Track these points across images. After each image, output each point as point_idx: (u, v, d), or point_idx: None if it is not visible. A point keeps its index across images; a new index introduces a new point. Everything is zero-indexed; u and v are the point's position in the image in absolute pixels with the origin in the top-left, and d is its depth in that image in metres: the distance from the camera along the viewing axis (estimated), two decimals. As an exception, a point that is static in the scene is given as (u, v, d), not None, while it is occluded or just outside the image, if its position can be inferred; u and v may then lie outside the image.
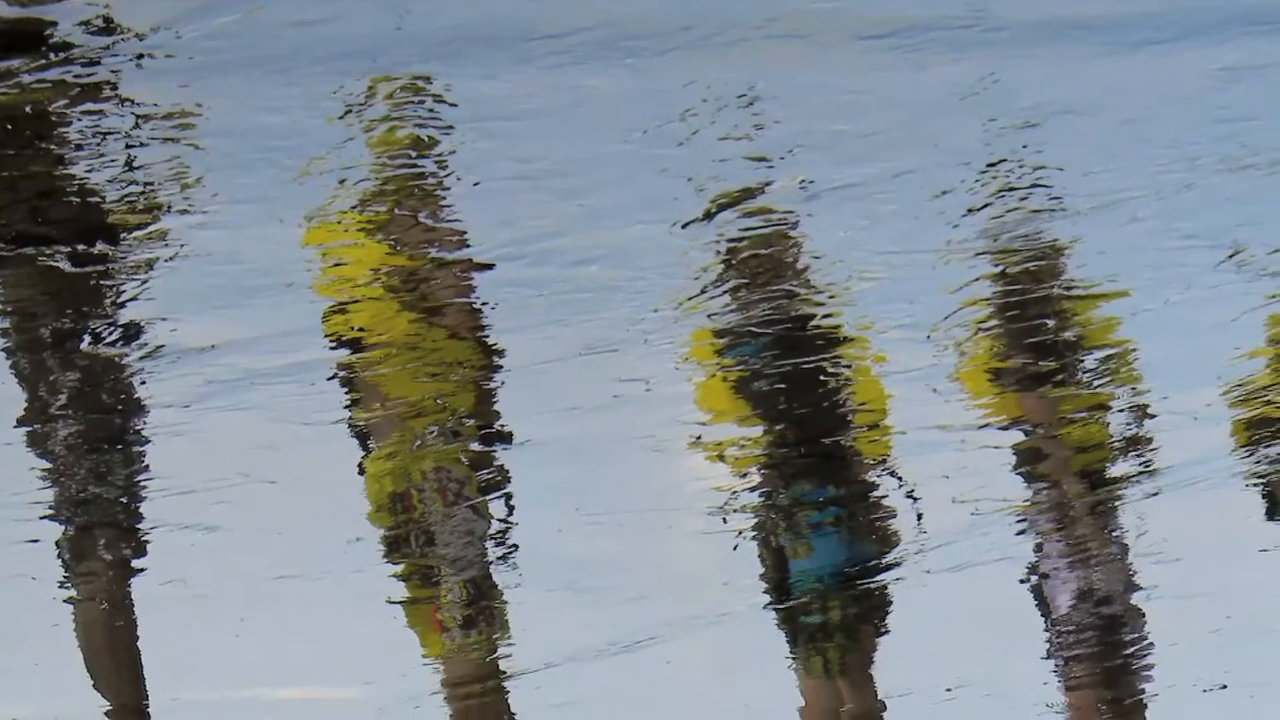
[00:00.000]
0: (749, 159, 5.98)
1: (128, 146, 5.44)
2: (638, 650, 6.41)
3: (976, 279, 6.23)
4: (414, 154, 5.71)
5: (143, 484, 5.85)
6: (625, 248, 5.96)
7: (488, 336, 5.97)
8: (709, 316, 6.09)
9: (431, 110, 5.72)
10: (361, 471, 6.01)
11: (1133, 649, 6.84)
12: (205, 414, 5.81)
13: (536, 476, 6.19)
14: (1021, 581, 6.75)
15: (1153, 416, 6.54)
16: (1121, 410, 6.54)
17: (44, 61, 5.27)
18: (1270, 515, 6.81)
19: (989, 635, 6.68)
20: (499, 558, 6.23)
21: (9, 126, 5.29)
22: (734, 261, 6.04)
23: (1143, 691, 6.87)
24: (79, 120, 5.39)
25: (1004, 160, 6.15)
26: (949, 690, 6.60)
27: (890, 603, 6.57)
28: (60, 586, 5.90)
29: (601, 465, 6.30)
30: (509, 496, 6.17)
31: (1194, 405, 6.56)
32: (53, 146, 5.40)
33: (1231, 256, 6.32)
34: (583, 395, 6.12)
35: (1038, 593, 6.78)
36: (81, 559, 5.89)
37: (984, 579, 6.65)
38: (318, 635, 6.07)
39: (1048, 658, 6.82)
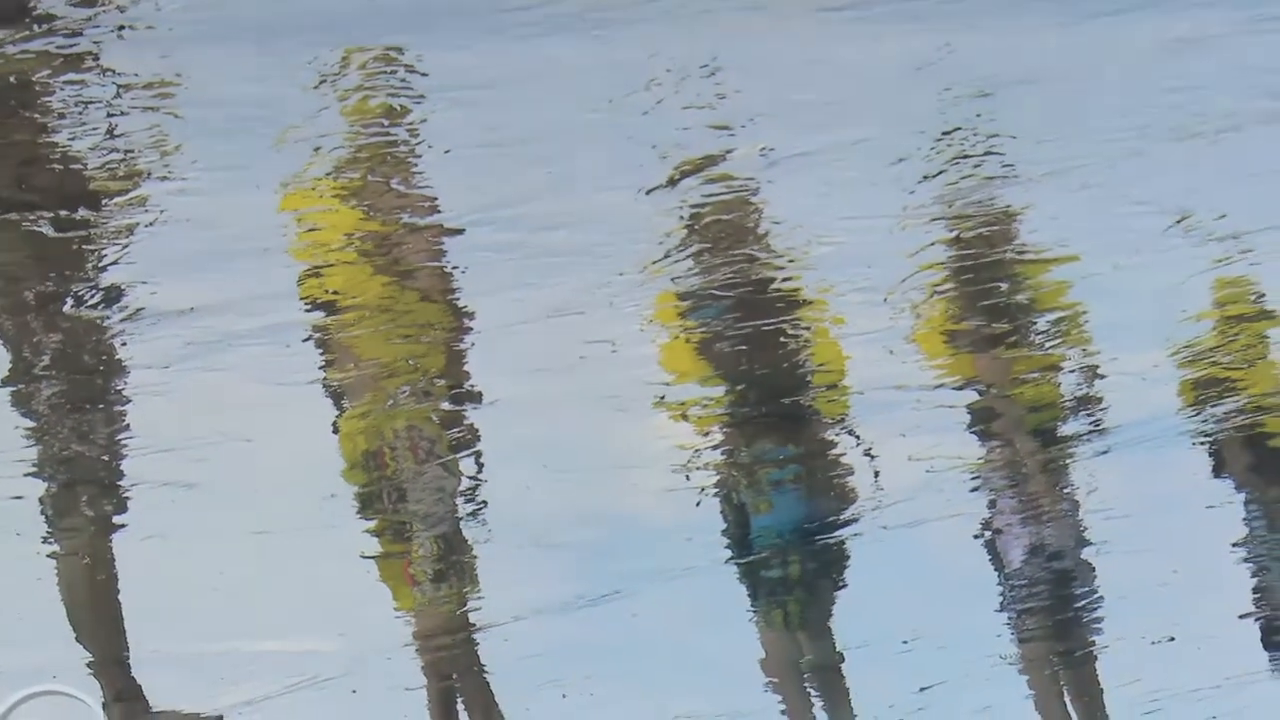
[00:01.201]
0: (711, 127, 6.07)
1: (109, 115, 5.52)
2: (603, 604, 6.42)
3: (932, 244, 6.32)
4: (386, 122, 5.79)
5: (123, 442, 5.88)
6: (592, 213, 6.03)
7: (458, 299, 6.05)
8: (672, 280, 6.16)
9: (403, 80, 5.80)
10: (336, 430, 6.07)
11: (1083, 602, 6.86)
12: (184, 374, 5.86)
13: (505, 435, 6.24)
14: (975, 537, 6.74)
15: (1102, 377, 6.61)
16: (1072, 371, 6.62)
17: (27, 32, 5.34)
18: (1216, 473, 6.87)
19: (944, 589, 6.68)
20: (469, 514, 6.25)
21: (-7, 95, 5.37)
22: (697, 227, 6.13)
23: (1093, 644, 6.87)
24: (61, 89, 5.46)
25: (959, 128, 6.25)
26: (905, 643, 6.59)
27: (848, 557, 6.58)
28: (44, 542, 5.89)
29: (568, 424, 6.33)
30: (478, 454, 6.21)
31: (1142, 366, 6.63)
32: (36, 115, 5.47)
33: (1179, 222, 6.42)
34: (550, 356, 6.18)
35: (991, 548, 6.78)
36: (64, 515, 5.90)
37: (939, 535, 6.68)
38: (293, 589, 6.07)
39: (1001, 611, 6.83)
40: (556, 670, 6.38)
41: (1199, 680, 6.71)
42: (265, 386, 5.98)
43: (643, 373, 6.30)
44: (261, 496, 6.07)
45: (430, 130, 5.84)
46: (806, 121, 6.12)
